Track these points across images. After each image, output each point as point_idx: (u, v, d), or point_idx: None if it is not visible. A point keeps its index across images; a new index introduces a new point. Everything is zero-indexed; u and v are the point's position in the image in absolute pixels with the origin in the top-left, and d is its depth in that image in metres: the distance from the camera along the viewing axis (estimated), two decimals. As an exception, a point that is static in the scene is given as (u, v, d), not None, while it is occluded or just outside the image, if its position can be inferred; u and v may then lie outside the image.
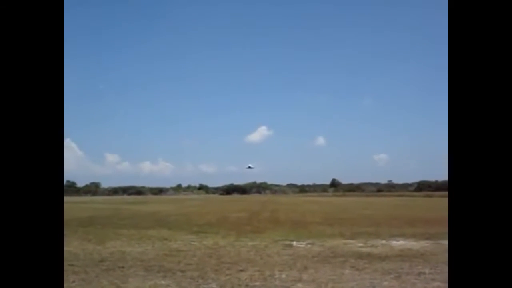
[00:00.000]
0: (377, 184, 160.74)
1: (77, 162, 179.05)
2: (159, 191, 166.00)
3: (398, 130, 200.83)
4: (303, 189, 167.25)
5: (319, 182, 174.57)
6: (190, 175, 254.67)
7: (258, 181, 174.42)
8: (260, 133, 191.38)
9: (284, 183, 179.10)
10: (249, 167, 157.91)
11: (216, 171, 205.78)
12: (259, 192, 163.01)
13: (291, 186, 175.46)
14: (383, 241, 15.85)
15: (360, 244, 15.13)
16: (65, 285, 8.92)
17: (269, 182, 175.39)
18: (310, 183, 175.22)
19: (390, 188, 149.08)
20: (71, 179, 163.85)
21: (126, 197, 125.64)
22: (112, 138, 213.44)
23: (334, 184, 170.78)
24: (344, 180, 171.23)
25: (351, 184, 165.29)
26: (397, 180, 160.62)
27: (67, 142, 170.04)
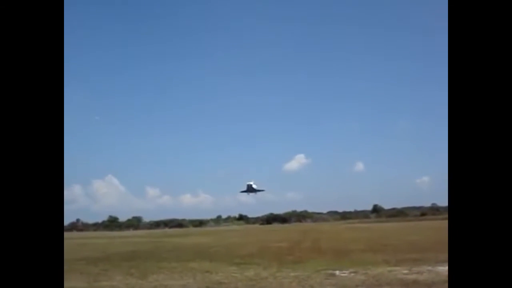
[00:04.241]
0: (420, 208, 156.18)
1: (119, 197, 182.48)
2: (200, 223, 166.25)
3: (439, 151, 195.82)
4: (344, 216, 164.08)
5: (360, 208, 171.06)
6: (230, 205, 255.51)
7: (298, 209, 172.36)
8: (298, 161, 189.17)
9: (324, 210, 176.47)
10: (251, 188, 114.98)
11: (255, 201, 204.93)
12: (299, 221, 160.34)
13: (332, 213, 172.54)
14: (429, 267, 15.37)
15: (405, 271, 14.73)
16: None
17: (310, 210, 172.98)
18: (351, 209, 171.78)
19: (434, 211, 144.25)
20: (114, 214, 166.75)
21: (167, 230, 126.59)
22: (152, 172, 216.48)
23: (376, 210, 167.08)
24: (386, 205, 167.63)
25: (394, 209, 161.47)
26: (442, 203, 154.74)
27: (109, 178, 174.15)
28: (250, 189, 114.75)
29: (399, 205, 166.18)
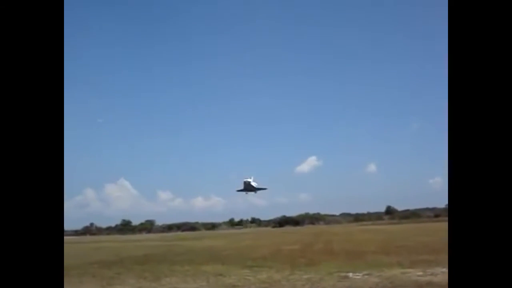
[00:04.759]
0: (434, 209, 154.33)
1: (132, 201, 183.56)
2: (212, 226, 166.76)
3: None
4: (357, 218, 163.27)
5: (373, 210, 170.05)
6: (242, 208, 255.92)
7: (311, 212, 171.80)
8: (310, 164, 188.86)
9: (337, 212, 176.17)
10: (250, 186, 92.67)
11: (267, 203, 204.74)
12: (312, 223, 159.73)
13: (345, 215, 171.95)
14: (443, 269, 15.17)
15: (419, 273, 14.59)
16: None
17: (322, 212, 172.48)
18: (364, 211, 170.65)
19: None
20: (126, 218, 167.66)
21: (180, 234, 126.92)
22: (164, 175, 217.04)
23: (389, 211, 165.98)
24: (399, 207, 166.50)
25: (407, 211, 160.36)
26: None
27: (121, 182, 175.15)
28: (248, 187, 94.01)
29: (412, 206, 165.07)
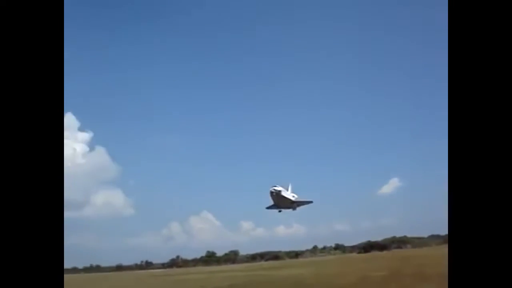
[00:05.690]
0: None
1: (215, 232, 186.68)
2: (296, 254, 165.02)
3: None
4: (447, 239, 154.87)
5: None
6: (325, 234, 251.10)
7: (397, 235, 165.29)
8: (392, 185, 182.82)
9: (425, 234, 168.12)
10: (280, 197, 61.76)
11: (351, 228, 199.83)
12: (399, 247, 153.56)
13: (434, 237, 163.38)
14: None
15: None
16: None
17: (409, 235, 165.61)
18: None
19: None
20: (211, 249, 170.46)
21: (263, 263, 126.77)
22: (245, 206, 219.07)
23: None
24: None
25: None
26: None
27: (204, 214, 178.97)
28: (280, 201, 62.17)
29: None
